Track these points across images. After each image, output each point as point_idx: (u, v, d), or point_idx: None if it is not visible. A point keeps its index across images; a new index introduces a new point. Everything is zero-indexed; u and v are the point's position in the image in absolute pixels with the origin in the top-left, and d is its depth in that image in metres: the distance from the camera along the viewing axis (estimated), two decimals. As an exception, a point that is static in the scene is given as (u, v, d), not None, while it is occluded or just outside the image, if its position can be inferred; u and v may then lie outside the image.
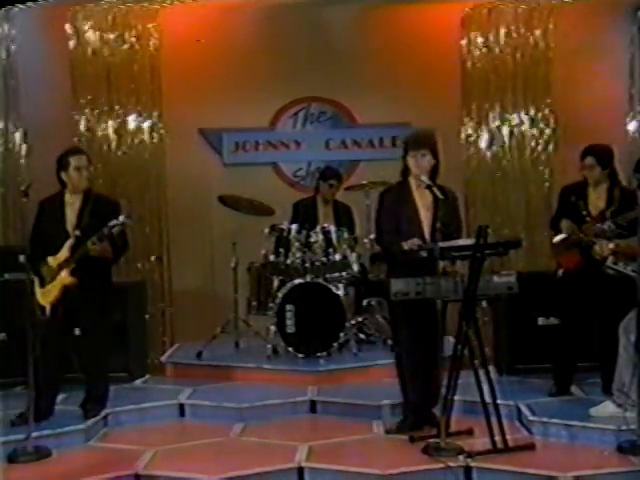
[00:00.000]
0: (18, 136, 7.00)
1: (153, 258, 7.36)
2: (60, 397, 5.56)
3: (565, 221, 5.32)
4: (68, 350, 5.29)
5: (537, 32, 7.30)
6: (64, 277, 5.02)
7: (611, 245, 4.94)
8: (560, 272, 5.38)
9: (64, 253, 5.04)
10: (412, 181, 4.97)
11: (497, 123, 7.38)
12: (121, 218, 5.05)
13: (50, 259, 5.07)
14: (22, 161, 7.05)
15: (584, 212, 5.29)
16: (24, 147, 7.04)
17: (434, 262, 4.61)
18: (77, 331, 5.34)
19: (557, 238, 5.29)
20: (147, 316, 6.78)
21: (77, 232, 5.06)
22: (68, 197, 5.19)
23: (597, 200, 5.31)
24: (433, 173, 4.92)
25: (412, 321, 4.86)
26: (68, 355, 5.33)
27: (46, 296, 5.06)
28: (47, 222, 5.13)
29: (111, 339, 5.54)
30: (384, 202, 5.03)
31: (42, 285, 5.09)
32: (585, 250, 5.16)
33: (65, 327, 5.18)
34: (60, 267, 5.04)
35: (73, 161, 5.14)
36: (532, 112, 7.35)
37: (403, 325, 4.96)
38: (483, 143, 7.39)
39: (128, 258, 7.18)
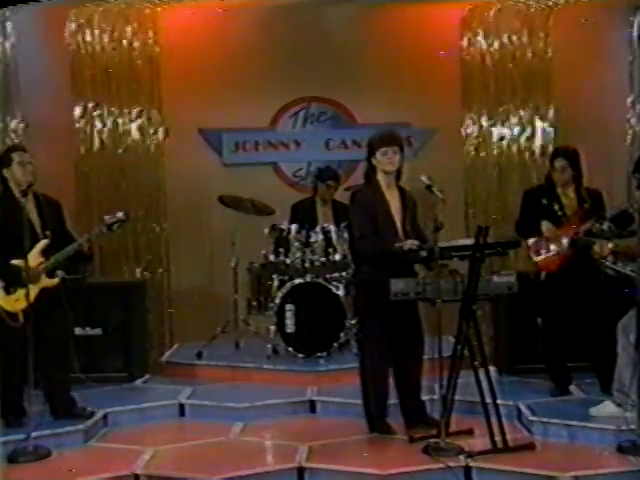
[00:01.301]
0: (17, 136, 6.99)
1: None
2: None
3: (546, 223, 5.36)
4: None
5: (537, 32, 7.30)
6: (44, 280, 4.92)
7: (610, 245, 4.96)
8: (543, 275, 5.41)
9: (36, 257, 4.88)
10: (381, 181, 4.98)
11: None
12: (119, 214, 5.04)
13: (18, 263, 4.76)
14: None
15: (560, 213, 5.37)
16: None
17: (412, 263, 4.75)
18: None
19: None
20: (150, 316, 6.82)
21: (48, 234, 4.96)
22: (20, 197, 4.86)
23: (570, 201, 5.40)
24: (398, 174, 4.99)
25: (383, 319, 4.87)
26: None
27: (19, 302, 4.78)
28: (6, 224, 4.84)
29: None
30: (358, 203, 5.03)
31: (8, 292, 4.86)
32: (584, 250, 5.18)
33: (37, 329, 4.89)
34: (35, 271, 4.84)
35: (16, 157, 5.01)
36: (532, 112, 7.35)
37: (372, 323, 4.97)
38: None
39: (128, 258, 7.25)
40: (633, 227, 4.79)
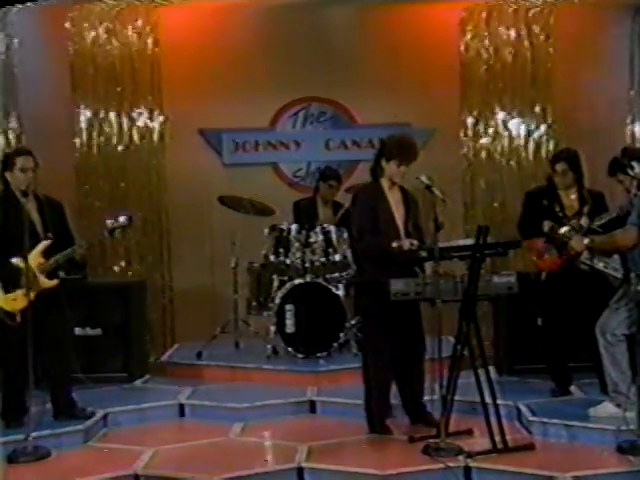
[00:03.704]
0: (17, 136, 7.00)
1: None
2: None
3: (547, 222, 5.34)
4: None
5: (537, 32, 7.31)
6: (44, 281, 4.91)
7: (586, 241, 4.96)
8: (544, 275, 5.40)
9: (37, 257, 4.87)
10: (384, 182, 5.00)
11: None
12: (122, 219, 5.03)
13: (17, 262, 4.77)
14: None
15: (560, 214, 5.36)
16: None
17: (416, 262, 4.74)
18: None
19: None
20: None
21: (50, 235, 4.96)
22: (20, 198, 4.92)
23: (571, 202, 5.41)
24: None
25: (384, 320, 4.87)
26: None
27: (18, 302, 4.79)
28: (7, 224, 4.86)
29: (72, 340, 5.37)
30: (359, 203, 5.05)
31: (7, 291, 4.86)
32: (561, 247, 5.19)
33: (35, 329, 4.87)
34: (35, 272, 4.83)
35: (19, 162, 4.99)
36: (531, 112, 7.35)
37: (373, 324, 4.97)
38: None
39: (128, 258, 7.26)
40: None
